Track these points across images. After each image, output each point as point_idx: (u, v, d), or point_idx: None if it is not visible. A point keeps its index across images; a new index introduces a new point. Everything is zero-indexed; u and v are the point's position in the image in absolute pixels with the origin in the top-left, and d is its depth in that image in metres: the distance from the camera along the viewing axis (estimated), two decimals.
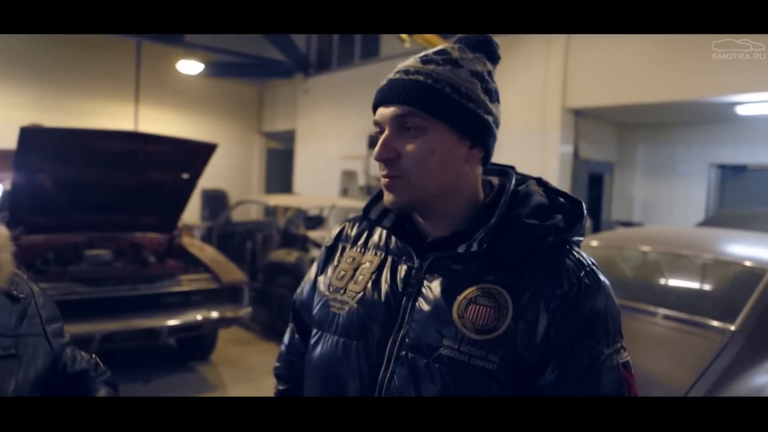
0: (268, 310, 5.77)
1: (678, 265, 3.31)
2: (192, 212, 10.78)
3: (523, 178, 0.95)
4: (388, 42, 9.51)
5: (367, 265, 0.96)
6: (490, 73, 0.90)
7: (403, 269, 0.92)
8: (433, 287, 0.88)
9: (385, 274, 0.93)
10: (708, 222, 5.84)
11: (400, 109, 0.84)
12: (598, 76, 6.60)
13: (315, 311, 0.99)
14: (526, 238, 0.85)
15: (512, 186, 0.90)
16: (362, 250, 1.00)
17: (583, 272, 0.83)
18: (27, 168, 3.89)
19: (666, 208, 8.10)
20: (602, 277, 0.85)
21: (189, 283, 4.35)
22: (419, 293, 0.88)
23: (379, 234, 1.00)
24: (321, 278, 1.03)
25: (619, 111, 7.00)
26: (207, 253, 4.86)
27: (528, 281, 0.82)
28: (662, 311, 2.70)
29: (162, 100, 11.29)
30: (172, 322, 4.04)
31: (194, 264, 4.63)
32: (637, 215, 8.40)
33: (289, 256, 5.67)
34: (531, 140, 7.12)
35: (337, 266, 1.01)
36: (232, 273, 4.52)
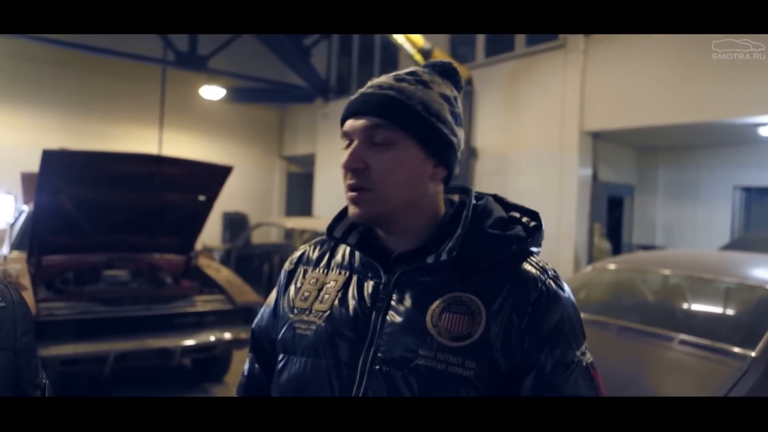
0: None
1: (697, 289, 3.22)
2: (213, 234, 10.93)
3: (481, 195, 0.97)
4: (405, 66, 9.59)
5: (332, 284, 0.95)
6: (456, 99, 0.93)
7: (369, 285, 0.91)
8: (403, 300, 0.87)
9: (352, 291, 0.92)
10: (732, 245, 5.70)
11: (371, 120, 0.86)
12: (616, 99, 6.56)
13: (280, 336, 0.97)
14: (491, 247, 0.87)
15: (473, 201, 0.93)
16: (325, 270, 0.99)
17: (548, 279, 0.86)
18: (49, 190, 4.00)
19: (689, 231, 7.93)
20: (564, 284, 0.88)
21: (203, 303, 4.38)
22: (389, 307, 0.88)
23: (342, 254, 1.00)
24: (283, 302, 1.01)
25: (638, 133, 6.93)
26: (222, 274, 4.90)
27: (497, 289, 0.84)
28: (680, 336, 2.62)
29: (186, 124, 11.55)
30: (186, 342, 4.06)
31: (209, 285, 4.67)
32: (659, 239, 8.24)
33: None
34: (549, 163, 7.08)
35: (299, 288, 0.99)
36: (247, 294, 4.54)
